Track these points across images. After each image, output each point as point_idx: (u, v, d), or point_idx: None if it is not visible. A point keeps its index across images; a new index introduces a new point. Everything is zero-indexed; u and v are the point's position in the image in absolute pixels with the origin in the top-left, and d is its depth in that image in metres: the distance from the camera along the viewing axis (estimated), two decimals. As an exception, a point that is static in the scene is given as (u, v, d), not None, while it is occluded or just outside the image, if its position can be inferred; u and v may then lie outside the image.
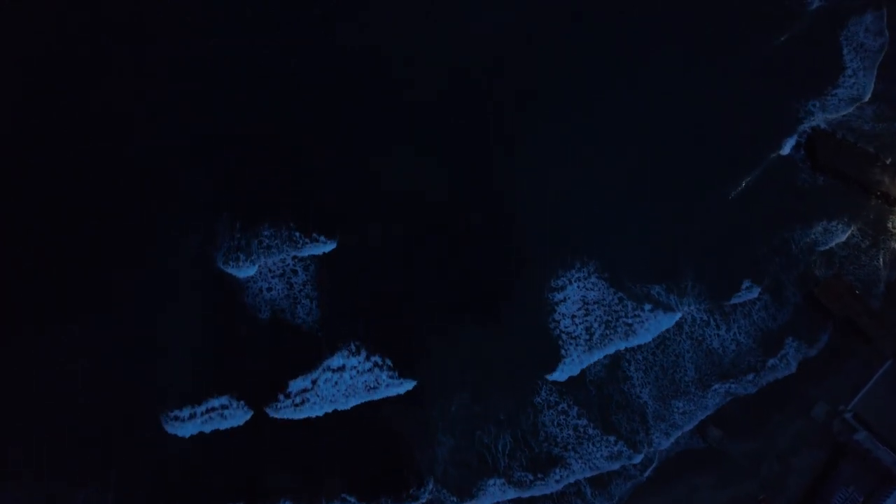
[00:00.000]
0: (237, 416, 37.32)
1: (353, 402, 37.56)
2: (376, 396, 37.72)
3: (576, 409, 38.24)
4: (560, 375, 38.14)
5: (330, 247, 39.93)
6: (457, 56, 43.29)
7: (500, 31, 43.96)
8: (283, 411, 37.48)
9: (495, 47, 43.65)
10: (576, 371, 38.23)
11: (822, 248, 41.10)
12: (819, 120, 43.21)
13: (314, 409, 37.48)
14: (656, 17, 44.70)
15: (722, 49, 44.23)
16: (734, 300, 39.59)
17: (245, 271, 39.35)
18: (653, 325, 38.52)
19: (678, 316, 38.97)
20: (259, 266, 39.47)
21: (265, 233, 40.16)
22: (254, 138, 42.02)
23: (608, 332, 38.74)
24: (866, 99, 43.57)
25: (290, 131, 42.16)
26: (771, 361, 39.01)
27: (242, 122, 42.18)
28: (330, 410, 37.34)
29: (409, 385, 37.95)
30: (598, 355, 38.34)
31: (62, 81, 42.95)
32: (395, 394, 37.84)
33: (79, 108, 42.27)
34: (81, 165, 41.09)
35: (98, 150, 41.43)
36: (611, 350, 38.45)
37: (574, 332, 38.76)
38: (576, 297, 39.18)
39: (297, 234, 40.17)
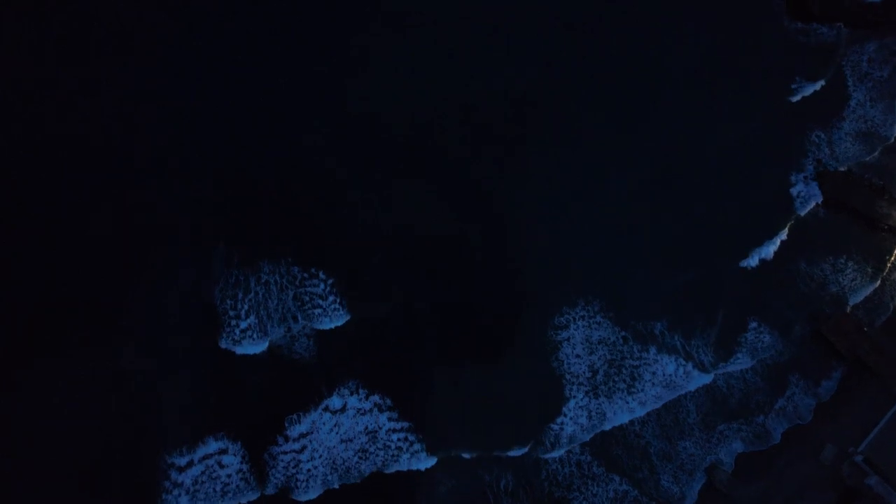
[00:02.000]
0: (234, 463, 36.70)
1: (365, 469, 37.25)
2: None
3: (578, 447, 37.69)
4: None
5: (329, 283, 39.39)
6: (460, 91, 42.93)
7: (508, 70, 43.60)
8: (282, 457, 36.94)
9: (500, 84, 43.30)
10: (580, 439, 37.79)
11: (829, 284, 40.42)
12: (825, 154, 42.59)
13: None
14: (664, 55, 44.20)
15: (725, 87, 43.86)
16: (740, 340, 38.92)
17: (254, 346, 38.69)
18: (659, 371, 37.91)
19: (686, 366, 38.39)
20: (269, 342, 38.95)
21: (264, 268, 39.71)
22: (250, 173, 41.46)
23: (612, 374, 38.18)
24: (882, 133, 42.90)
25: (286, 165, 41.62)
26: (779, 402, 38.31)
27: (241, 158, 41.62)
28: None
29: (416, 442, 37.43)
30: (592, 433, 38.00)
31: (51, 111, 42.29)
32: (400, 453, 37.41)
33: (72, 140, 41.70)
34: (78, 199, 40.60)
35: (92, 184, 40.84)
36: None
37: (577, 371, 38.17)
38: (580, 336, 38.57)
39: (296, 268, 39.70)
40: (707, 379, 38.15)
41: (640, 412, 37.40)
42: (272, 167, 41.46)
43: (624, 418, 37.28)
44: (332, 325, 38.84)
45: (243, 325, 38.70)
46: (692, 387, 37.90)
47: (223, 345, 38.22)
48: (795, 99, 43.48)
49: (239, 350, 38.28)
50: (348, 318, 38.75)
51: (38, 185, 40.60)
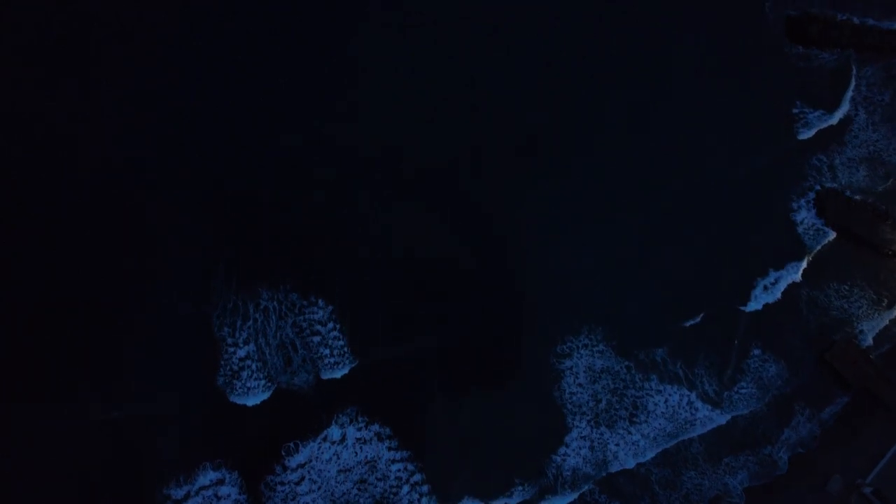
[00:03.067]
0: (232, 493, 36.09)
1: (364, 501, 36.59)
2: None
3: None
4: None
5: (328, 311, 39.03)
6: (461, 116, 42.61)
7: (509, 91, 43.24)
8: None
9: (502, 108, 42.94)
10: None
11: (833, 310, 40.05)
12: (828, 179, 42.43)
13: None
14: (662, 82, 44.15)
15: (724, 114, 43.62)
16: (745, 369, 38.50)
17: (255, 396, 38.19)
18: (661, 402, 37.44)
19: (688, 395, 37.94)
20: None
21: (263, 294, 39.36)
22: (248, 198, 41.16)
23: (614, 404, 37.69)
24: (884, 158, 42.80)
25: (283, 187, 41.22)
26: (786, 433, 37.76)
27: (238, 181, 41.34)
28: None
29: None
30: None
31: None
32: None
33: (69, 164, 41.43)
34: (75, 211, 40.18)
35: (87, 196, 40.33)
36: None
37: (580, 401, 37.68)
38: (582, 364, 38.13)
39: (295, 295, 39.36)
40: (722, 420, 37.70)
41: (651, 453, 36.87)
42: (269, 189, 41.08)
43: (629, 462, 36.70)
44: (339, 373, 38.47)
45: (241, 353, 38.25)
46: (707, 428, 37.42)
47: (220, 378, 37.73)
48: (796, 125, 43.27)
49: (238, 384, 37.76)
50: (354, 364, 38.43)
51: (35, 195, 40.28)
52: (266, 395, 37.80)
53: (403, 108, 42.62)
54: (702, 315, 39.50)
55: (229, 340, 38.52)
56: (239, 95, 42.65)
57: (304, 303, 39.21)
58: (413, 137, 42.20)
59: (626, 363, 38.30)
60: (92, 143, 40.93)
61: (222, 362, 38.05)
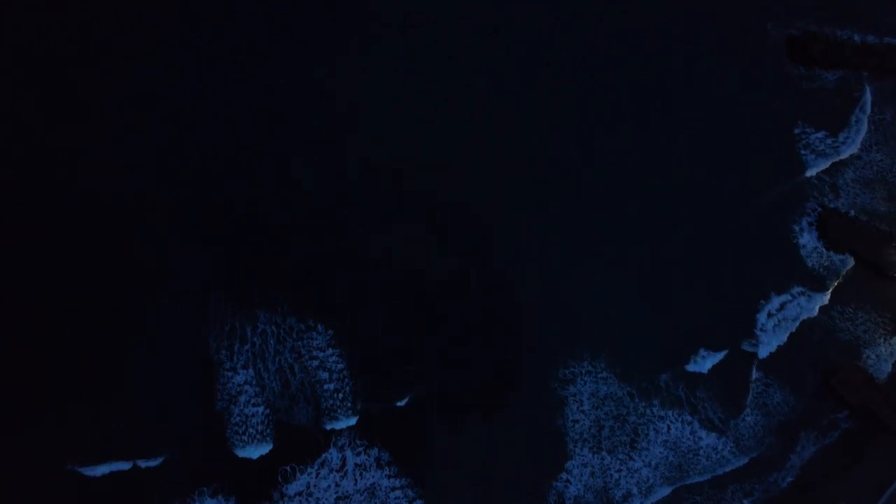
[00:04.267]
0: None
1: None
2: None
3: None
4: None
5: (328, 336, 38.62)
6: (461, 135, 42.38)
7: (509, 110, 43.10)
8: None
9: (503, 128, 42.76)
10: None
11: (838, 332, 39.67)
12: (830, 200, 42.15)
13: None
14: (664, 103, 44.00)
15: (727, 134, 43.48)
16: (749, 394, 38.10)
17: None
18: (663, 428, 37.03)
19: (692, 423, 37.46)
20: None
21: (261, 317, 38.90)
22: (245, 218, 40.75)
23: (616, 431, 37.24)
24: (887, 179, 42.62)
25: (281, 210, 40.88)
26: (792, 459, 37.27)
27: (236, 202, 41.00)
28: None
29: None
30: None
31: (44, 156, 41.41)
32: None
33: (68, 186, 41.10)
34: (72, 247, 39.87)
35: (85, 225, 40.07)
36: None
37: (582, 428, 37.20)
38: (586, 391, 37.67)
39: (293, 319, 38.91)
40: (741, 461, 37.24)
41: (663, 492, 36.39)
42: (266, 209, 40.74)
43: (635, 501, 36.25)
44: (344, 424, 37.73)
45: (240, 379, 37.76)
46: (727, 469, 37.01)
47: (219, 403, 37.22)
48: (799, 145, 43.06)
49: (236, 409, 37.23)
50: (355, 418, 37.69)
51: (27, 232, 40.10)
52: (267, 447, 37.17)
53: (403, 115, 42.39)
54: (706, 341, 39.06)
55: (227, 364, 38.05)
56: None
57: (303, 326, 38.76)
58: (414, 153, 41.93)
59: (630, 390, 37.83)
60: (92, 147, 40.60)
61: (220, 386, 37.54)
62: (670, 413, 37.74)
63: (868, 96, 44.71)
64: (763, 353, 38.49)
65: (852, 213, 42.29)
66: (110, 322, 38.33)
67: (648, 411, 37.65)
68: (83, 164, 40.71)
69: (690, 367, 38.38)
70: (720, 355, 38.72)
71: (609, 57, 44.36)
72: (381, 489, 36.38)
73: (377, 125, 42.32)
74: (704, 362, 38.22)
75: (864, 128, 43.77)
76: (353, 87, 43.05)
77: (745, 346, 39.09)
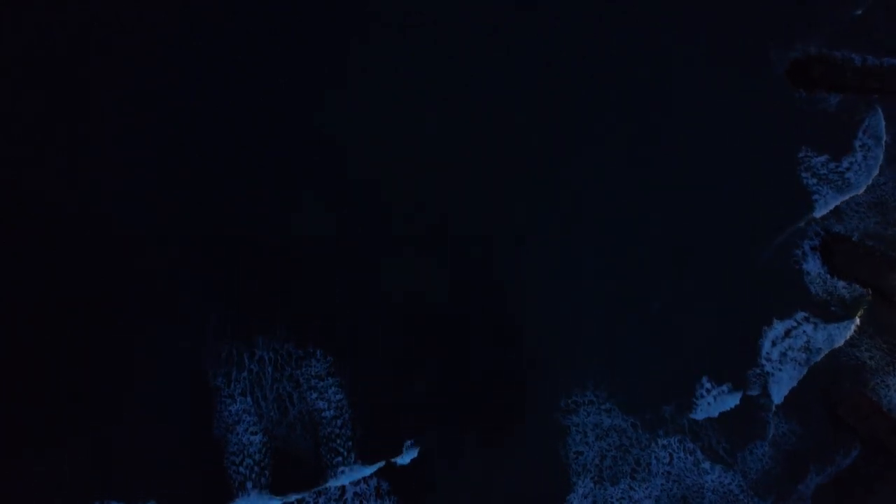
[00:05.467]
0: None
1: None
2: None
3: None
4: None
5: (327, 364, 38.15)
6: (461, 156, 42.03)
7: (509, 130, 42.74)
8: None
9: (502, 151, 42.37)
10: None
11: (843, 356, 39.17)
12: (832, 223, 41.77)
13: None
14: (663, 125, 43.68)
15: (728, 157, 43.13)
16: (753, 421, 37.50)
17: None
18: (664, 456, 36.38)
19: (697, 453, 36.81)
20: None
21: (259, 342, 38.45)
22: (244, 241, 40.37)
23: (619, 461, 36.59)
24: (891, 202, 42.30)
25: (281, 234, 40.51)
26: (800, 489, 36.56)
27: (235, 223, 40.67)
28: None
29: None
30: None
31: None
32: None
33: (64, 212, 40.80)
34: (67, 271, 39.49)
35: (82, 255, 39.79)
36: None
37: (585, 459, 36.55)
38: (589, 421, 37.10)
39: (291, 345, 38.44)
40: (749, 496, 36.56)
41: None
42: (265, 233, 40.39)
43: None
44: (350, 480, 37.13)
45: (237, 406, 37.27)
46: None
47: (216, 430, 36.73)
48: (801, 169, 42.75)
49: (233, 438, 36.71)
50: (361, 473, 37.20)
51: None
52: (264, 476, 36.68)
53: (403, 126, 41.95)
54: (710, 371, 38.52)
55: (224, 391, 37.61)
56: (238, 127, 42.16)
57: (301, 353, 38.33)
58: (415, 171, 41.52)
59: (633, 421, 37.26)
60: (86, 167, 40.36)
61: (217, 414, 37.07)
62: (674, 443, 37.10)
63: (874, 119, 44.40)
64: (777, 395, 38.00)
65: (856, 237, 41.87)
66: (102, 346, 37.90)
67: (653, 442, 37.03)
68: (78, 189, 40.56)
69: (695, 399, 37.81)
70: (725, 384, 38.17)
71: (608, 83, 44.13)
72: (381, 523, 35.75)
73: (376, 140, 41.90)
74: (709, 395, 37.69)
75: (869, 151, 43.42)
76: (351, 98, 42.77)
77: (750, 375, 38.55)
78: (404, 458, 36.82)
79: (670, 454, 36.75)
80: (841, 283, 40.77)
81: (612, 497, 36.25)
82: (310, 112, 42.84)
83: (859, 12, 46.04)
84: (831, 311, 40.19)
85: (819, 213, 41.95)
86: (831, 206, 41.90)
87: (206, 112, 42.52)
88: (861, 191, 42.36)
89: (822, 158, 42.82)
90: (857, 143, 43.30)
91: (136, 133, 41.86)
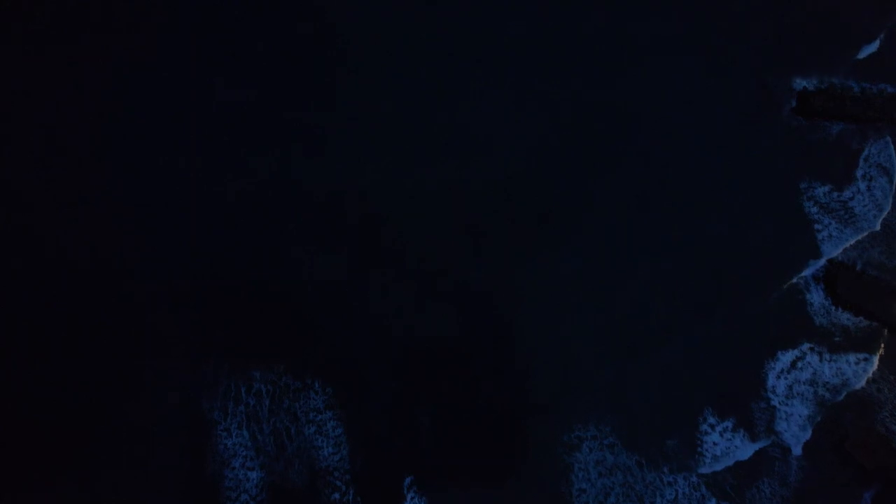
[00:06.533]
0: None
1: None
2: None
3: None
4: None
5: (325, 397, 37.61)
6: (460, 194, 42.08)
7: (509, 168, 42.94)
8: None
9: (503, 186, 42.51)
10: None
11: (850, 384, 38.46)
12: (836, 253, 41.39)
13: None
14: (666, 155, 43.67)
15: (730, 185, 43.02)
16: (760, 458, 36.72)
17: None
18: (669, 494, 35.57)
19: (703, 491, 36.03)
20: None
21: (256, 376, 37.89)
22: (242, 277, 40.24)
23: (621, 498, 35.80)
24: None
25: (277, 269, 40.42)
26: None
27: (232, 257, 40.46)
28: None
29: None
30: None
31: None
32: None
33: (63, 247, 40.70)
34: (60, 305, 39.17)
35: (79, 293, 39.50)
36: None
37: (588, 498, 35.79)
38: (591, 458, 36.36)
39: (289, 378, 37.89)
40: None
41: None
42: (262, 266, 40.34)
43: None
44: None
45: (234, 441, 36.66)
46: None
47: (212, 465, 36.08)
48: (803, 198, 42.54)
49: (229, 473, 36.02)
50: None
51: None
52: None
53: (403, 172, 42.29)
54: (715, 404, 37.88)
55: (221, 425, 37.03)
56: (233, 164, 42.34)
57: (299, 384, 37.81)
58: (413, 210, 41.59)
59: (637, 458, 36.51)
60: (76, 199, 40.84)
61: (212, 448, 36.39)
62: (680, 480, 36.31)
63: (874, 148, 44.24)
64: (785, 432, 37.29)
65: (859, 266, 41.45)
66: (99, 380, 37.58)
67: (657, 479, 36.25)
68: (77, 228, 40.70)
69: (699, 433, 37.15)
70: (730, 419, 37.51)
71: (608, 118, 44.29)
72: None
73: (377, 179, 42.17)
74: (714, 431, 37.05)
75: (871, 180, 43.19)
76: (350, 138, 43.07)
77: (755, 409, 37.90)
78: (404, 495, 36.04)
79: (676, 491, 35.92)
80: (845, 315, 40.26)
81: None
82: (309, 151, 43.15)
83: (861, 43, 46.01)
84: (836, 343, 39.62)
85: (831, 252, 41.62)
86: (847, 244, 41.54)
87: (205, 151, 42.89)
88: (877, 227, 41.97)
89: (826, 188, 42.68)
90: (860, 173, 43.10)
91: (134, 173, 42.22)
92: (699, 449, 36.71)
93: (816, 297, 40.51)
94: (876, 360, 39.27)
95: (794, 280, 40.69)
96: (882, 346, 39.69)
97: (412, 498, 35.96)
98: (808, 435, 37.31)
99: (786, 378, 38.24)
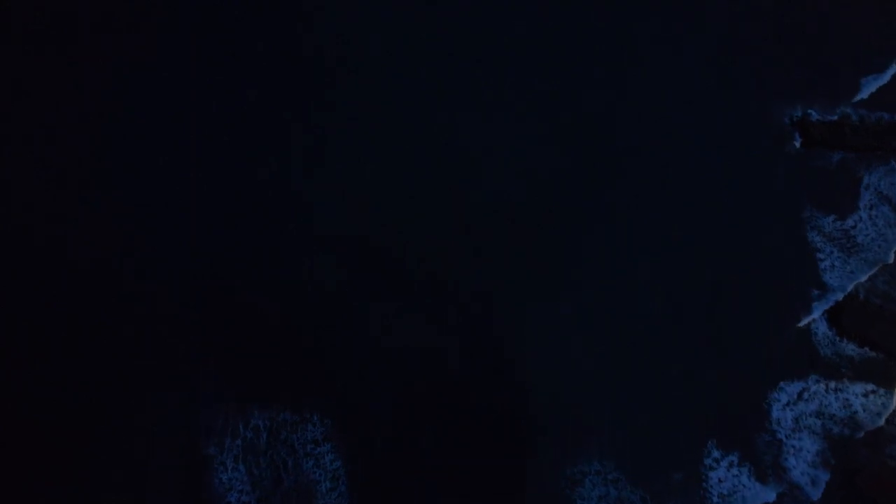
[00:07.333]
0: None
1: None
2: None
3: None
4: None
5: (323, 429, 36.97)
6: (459, 198, 42.17)
7: (510, 194, 42.86)
8: None
9: (509, 212, 42.49)
10: None
11: (858, 413, 37.77)
12: (839, 283, 41.08)
13: None
14: (667, 188, 43.72)
15: (730, 214, 42.97)
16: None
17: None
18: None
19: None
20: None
21: (254, 412, 37.35)
22: (239, 309, 39.85)
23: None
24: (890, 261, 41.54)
25: (275, 299, 40.08)
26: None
27: (230, 291, 40.18)
28: None
29: None
30: None
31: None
32: None
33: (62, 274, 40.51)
34: (53, 336, 38.81)
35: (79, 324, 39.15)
36: None
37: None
38: (594, 494, 35.54)
39: (288, 414, 37.31)
40: None
41: None
42: (261, 299, 39.97)
43: None
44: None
45: (229, 475, 36.00)
46: None
47: (206, 501, 35.40)
48: (805, 228, 42.43)
49: (223, 505, 35.44)
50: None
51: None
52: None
53: (408, 194, 42.30)
54: (719, 437, 37.18)
55: (217, 459, 36.36)
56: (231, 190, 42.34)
57: (297, 418, 37.21)
58: (411, 237, 41.40)
59: (642, 494, 35.66)
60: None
61: (207, 483, 35.62)
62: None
63: (874, 177, 44.27)
64: (793, 468, 36.50)
65: (862, 295, 41.05)
66: (93, 412, 36.88)
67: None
68: (69, 260, 40.59)
69: (704, 468, 36.36)
70: (736, 452, 36.76)
71: (609, 145, 44.56)
72: None
73: (374, 203, 42.13)
74: (720, 466, 36.25)
75: (875, 210, 43.06)
76: (346, 159, 43.22)
77: (763, 441, 37.16)
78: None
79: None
80: (850, 345, 39.75)
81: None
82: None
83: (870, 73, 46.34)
84: (842, 374, 39.04)
85: (837, 282, 41.27)
86: (861, 279, 41.15)
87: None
88: (891, 260, 41.69)
89: (829, 218, 42.62)
90: (861, 203, 43.03)
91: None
92: (704, 485, 35.83)
93: (821, 327, 40.05)
94: (884, 391, 38.62)
95: (800, 314, 40.22)
96: (891, 376, 39.06)
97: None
98: (820, 474, 36.46)
99: (792, 410, 37.59)
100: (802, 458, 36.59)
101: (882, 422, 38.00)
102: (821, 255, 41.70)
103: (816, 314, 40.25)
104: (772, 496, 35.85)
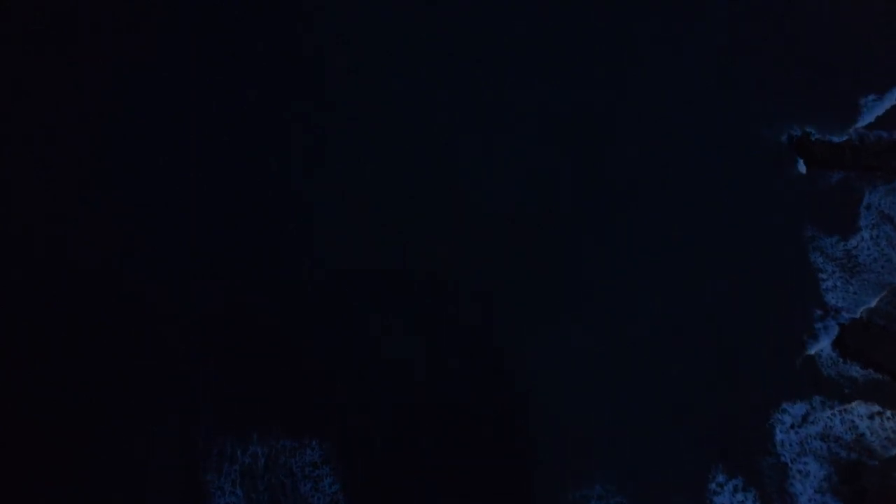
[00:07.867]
0: None
1: None
2: None
3: None
4: None
5: (321, 453, 36.62)
6: (462, 219, 41.90)
7: (510, 194, 42.78)
8: None
9: (511, 236, 42.15)
10: None
11: (865, 437, 37.40)
12: (842, 303, 40.89)
13: None
14: (669, 211, 43.57)
15: (731, 237, 42.85)
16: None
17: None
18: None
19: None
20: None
21: (253, 437, 36.92)
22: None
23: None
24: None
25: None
26: None
27: (227, 315, 39.83)
28: None
29: None
30: None
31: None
32: None
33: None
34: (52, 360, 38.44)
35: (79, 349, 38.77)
36: None
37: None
38: (598, 518, 35.19)
39: (287, 442, 36.86)
40: None
41: None
42: (259, 324, 39.57)
43: None
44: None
45: (227, 500, 35.64)
46: None
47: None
48: (807, 250, 42.30)
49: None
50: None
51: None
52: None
53: (411, 217, 41.98)
54: (724, 461, 36.76)
55: (214, 484, 35.90)
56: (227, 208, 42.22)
57: (296, 444, 36.79)
58: (412, 259, 41.11)
59: (645, 519, 35.26)
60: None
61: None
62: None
63: (873, 197, 44.23)
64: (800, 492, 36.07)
65: (866, 317, 40.84)
66: (91, 438, 36.44)
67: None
68: (66, 280, 40.31)
69: (709, 493, 35.89)
70: (739, 477, 36.30)
71: (605, 166, 44.40)
72: None
73: (372, 224, 41.82)
74: (724, 489, 35.85)
75: (877, 230, 42.95)
76: (343, 181, 42.99)
77: (766, 464, 36.74)
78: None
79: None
80: (854, 366, 39.46)
81: None
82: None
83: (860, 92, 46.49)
84: (846, 395, 38.70)
85: (841, 303, 41.08)
86: (870, 305, 40.98)
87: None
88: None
89: (832, 239, 42.41)
90: (862, 223, 42.96)
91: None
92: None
93: (825, 349, 39.80)
94: (890, 413, 38.25)
95: (800, 329, 40.00)
96: (889, 396, 38.75)
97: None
98: (828, 501, 35.97)
99: (796, 433, 37.19)
100: (809, 484, 36.11)
101: (889, 445, 37.62)
102: (822, 275, 41.56)
103: (821, 336, 40.01)
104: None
